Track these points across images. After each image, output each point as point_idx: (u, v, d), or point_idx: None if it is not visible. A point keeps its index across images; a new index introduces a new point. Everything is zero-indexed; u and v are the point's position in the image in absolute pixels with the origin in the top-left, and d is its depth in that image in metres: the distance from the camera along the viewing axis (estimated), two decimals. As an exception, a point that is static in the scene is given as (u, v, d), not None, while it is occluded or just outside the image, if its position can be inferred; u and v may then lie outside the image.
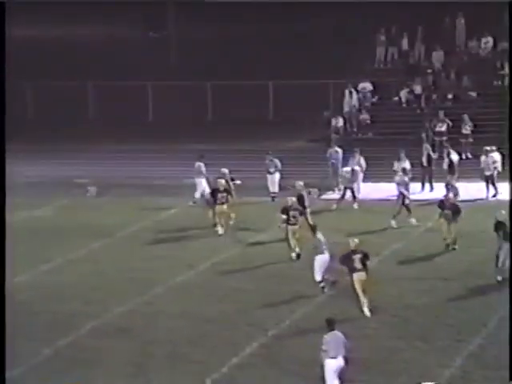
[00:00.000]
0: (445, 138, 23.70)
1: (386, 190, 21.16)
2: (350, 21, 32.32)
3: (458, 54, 26.89)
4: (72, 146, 27.72)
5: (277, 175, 22.26)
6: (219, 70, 31.19)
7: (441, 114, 24.02)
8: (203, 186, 21.84)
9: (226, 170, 20.93)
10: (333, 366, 11.19)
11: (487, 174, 21.05)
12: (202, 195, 21.85)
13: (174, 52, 34.82)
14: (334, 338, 11.45)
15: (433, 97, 25.66)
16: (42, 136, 28.57)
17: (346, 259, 14.14)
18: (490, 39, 25.99)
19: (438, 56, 26.24)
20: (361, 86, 26.19)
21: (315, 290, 14.59)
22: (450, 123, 23.91)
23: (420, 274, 16.14)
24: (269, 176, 22.37)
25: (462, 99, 25.32)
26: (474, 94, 25.12)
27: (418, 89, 25.52)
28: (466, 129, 23.90)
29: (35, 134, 28.49)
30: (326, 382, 11.34)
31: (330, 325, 11.65)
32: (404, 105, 25.84)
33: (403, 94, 25.67)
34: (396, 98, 26.00)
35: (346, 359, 11.32)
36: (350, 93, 25.96)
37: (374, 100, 26.31)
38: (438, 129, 23.87)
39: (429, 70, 26.20)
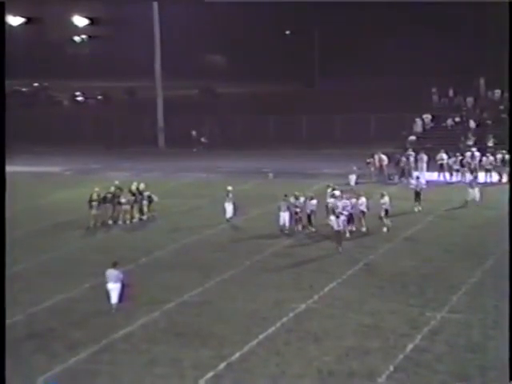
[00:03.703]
0: (472, 149, 44.57)
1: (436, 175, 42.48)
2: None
3: (481, 99, 49.96)
4: (259, 151, 52.99)
5: None
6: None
7: (469, 134, 46.62)
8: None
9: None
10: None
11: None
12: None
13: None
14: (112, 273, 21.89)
15: (466, 123, 48.46)
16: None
17: None
18: (499, 91, 49.02)
19: (470, 100, 49.30)
20: (424, 116, 49.13)
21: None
22: (474, 138, 46.31)
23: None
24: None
25: (482, 125, 47.94)
26: (489, 121, 47.84)
27: (457, 119, 48.34)
28: (491, 142, 45.77)
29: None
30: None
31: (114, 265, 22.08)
32: (449, 128, 48.60)
33: (449, 121, 48.45)
34: (444, 124, 48.84)
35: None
36: (419, 120, 49.09)
37: (432, 124, 49.24)
38: (468, 142, 46.34)
39: (464, 108, 49.19)
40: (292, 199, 31.32)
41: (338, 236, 28.01)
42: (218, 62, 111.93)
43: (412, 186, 35.79)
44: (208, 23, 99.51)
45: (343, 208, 30.23)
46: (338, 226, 28.03)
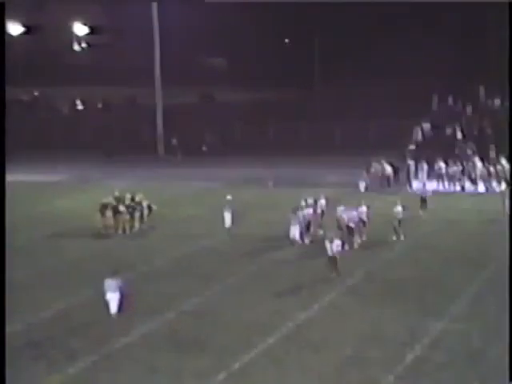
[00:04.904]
0: (473, 158, 44.50)
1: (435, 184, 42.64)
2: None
3: (481, 108, 50.04)
4: (259, 159, 53.00)
5: None
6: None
7: (469, 142, 46.58)
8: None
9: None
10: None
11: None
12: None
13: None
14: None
15: (465, 131, 48.51)
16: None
17: None
18: (499, 100, 49.06)
19: (469, 109, 49.36)
20: (423, 124, 49.18)
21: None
22: (475, 148, 46.32)
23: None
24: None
25: (482, 133, 47.99)
26: (489, 130, 47.87)
27: (457, 128, 48.36)
28: (493, 150, 45.37)
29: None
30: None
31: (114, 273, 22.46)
32: (448, 136, 48.54)
33: (448, 130, 48.46)
34: (443, 133, 48.60)
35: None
36: (418, 129, 49.15)
37: (431, 133, 49.16)
38: (467, 151, 46.25)
39: (463, 117, 49.18)
40: (300, 212, 31.09)
41: (332, 262, 26.25)
42: (217, 70, 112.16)
43: (418, 192, 37.42)
44: (208, 31, 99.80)
45: (348, 220, 30.22)
46: (332, 251, 26.26)
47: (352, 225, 30.16)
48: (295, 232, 30.79)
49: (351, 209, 30.95)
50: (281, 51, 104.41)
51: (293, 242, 30.79)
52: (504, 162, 42.23)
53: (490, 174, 42.36)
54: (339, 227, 30.20)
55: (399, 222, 31.20)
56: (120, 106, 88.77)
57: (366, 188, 42.52)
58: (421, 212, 35.47)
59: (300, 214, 30.96)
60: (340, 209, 30.98)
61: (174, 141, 60.51)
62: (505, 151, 43.58)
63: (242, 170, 50.79)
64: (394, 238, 31.14)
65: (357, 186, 42.47)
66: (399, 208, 31.41)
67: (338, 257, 26.19)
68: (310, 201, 32.30)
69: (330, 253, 26.29)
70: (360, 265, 27.43)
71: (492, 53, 78.14)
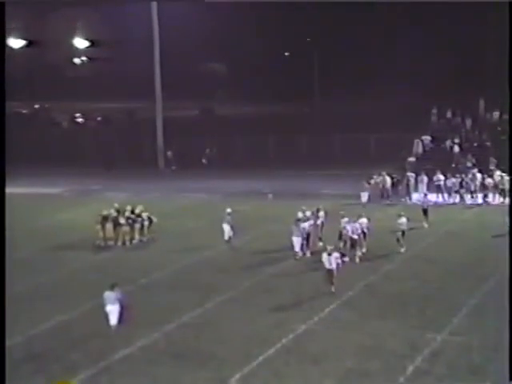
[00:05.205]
0: (473, 170, 44.88)
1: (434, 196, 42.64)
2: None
3: (480, 120, 50.12)
4: (259, 171, 52.90)
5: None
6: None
7: (469, 155, 46.79)
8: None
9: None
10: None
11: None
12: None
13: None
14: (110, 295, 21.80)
15: (465, 145, 48.65)
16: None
17: None
18: (497, 112, 49.16)
19: (468, 122, 49.50)
20: (423, 137, 49.35)
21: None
22: (474, 161, 46.51)
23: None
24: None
25: (481, 146, 48.13)
26: (488, 143, 48.00)
27: (456, 140, 48.55)
28: (493, 163, 45.30)
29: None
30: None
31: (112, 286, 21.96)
32: (448, 149, 48.80)
33: (448, 143, 48.64)
34: (443, 145, 49.00)
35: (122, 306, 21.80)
36: (418, 141, 49.29)
37: (431, 146, 49.44)
38: (467, 164, 46.31)
39: (463, 130, 49.39)
40: (301, 224, 31.05)
41: (329, 275, 25.86)
42: (217, 84, 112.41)
43: (419, 203, 38.10)
44: (208, 44, 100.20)
45: (352, 231, 30.24)
46: (330, 264, 25.84)
47: (355, 236, 30.18)
48: (297, 243, 30.77)
49: (352, 220, 30.90)
50: (281, 64, 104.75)
51: (294, 253, 30.77)
52: (503, 174, 42.31)
53: (489, 186, 42.39)
54: (343, 239, 30.30)
55: (403, 233, 31.23)
56: (120, 118, 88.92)
57: (369, 198, 42.59)
58: (424, 223, 35.63)
59: (301, 225, 30.98)
60: (344, 220, 30.89)
61: (169, 153, 60.85)
62: (504, 164, 43.69)
63: (242, 183, 50.78)
64: (401, 249, 31.22)
65: (357, 198, 42.37)
66: (403, 219, 31.43)
67: (335, 270, 25.74)
68: (308, 212, 32.22)
69: (327, 265, 26.00)
70: (360, 277, 27.38)
71: (492, 66, 78.24)
